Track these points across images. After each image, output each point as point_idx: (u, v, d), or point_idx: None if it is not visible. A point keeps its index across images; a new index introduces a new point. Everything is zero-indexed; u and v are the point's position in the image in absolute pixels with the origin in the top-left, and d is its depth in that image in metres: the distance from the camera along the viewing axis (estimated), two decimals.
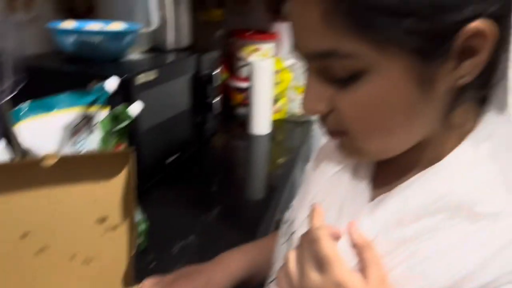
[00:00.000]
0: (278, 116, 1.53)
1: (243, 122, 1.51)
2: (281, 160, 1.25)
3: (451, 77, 0.37)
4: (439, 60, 0.36)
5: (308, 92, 0.42)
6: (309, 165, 0.62)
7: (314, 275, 0.40)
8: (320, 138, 1.56)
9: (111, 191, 0.59)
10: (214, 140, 1.33)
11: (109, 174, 0.58)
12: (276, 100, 1.49)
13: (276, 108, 1.51)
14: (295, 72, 1.51)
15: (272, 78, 1.39)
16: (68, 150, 0.64)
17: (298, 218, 0.55)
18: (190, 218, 0.89)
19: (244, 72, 1.54)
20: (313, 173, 0.58)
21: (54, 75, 0.86)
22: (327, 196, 0.51)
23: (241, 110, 1.58)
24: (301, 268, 0.41)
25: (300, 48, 0.41)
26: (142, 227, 0.78)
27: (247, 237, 0.78)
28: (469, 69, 0.37)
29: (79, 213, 0.57)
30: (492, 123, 0.41)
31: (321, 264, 0.39)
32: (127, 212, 0.61)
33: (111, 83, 0.72)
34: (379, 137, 0.41)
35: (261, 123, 1.41)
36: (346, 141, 0.44)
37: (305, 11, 0.37)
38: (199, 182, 1.08)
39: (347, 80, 0.38)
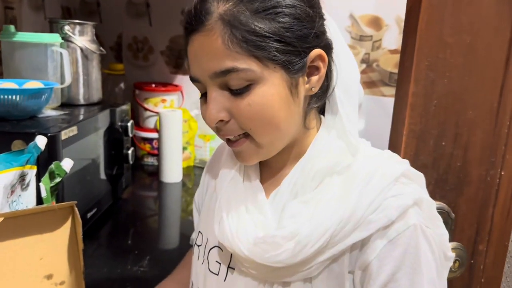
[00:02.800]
0: (187, 164, 1.59)
1: (152, 172, 1.54)
2: (192, 207, 1.30)
3: (306, 87, 0.54)
4: (299, 74, 0.53)
5: (210, 106, 0.52)
6: (203, 180, 0.74)
7: None
8: None
9: (57, 245, 0.60)
10: (128, 191, 1.33)
11: (54, 228, 0.59)
12: (184, 148, 1.56)
13: (185, 156, 1.56)
14: (200, 121, 1.59)
15: (181, 127, 1.46)
16: (7, 209, 0.64)
17: (210, 234, 0.63)
18: (121, 271, 0.90)
19: (150, 122, 1.58)
20: (208, 188, 0.69)
21: None
22: (231, 202, 0.60)
23: (149, 160, 1.60)
24: None
25: (204, 72, 0.52)
26: None
27: None
28: (315, 82, 0.54)
29: (26, 270, 0.57)
30: (330, 120, 0.58)
31: None
32: (73, 266, 0.62)
33: (42, 141, 0.73)
34: (271, 131, 0.53)
35: (172, 171, 1.45)
36: (246, 144, 0.54)
37: (210, 42, 0.50)
38: (119, 235, 1.08)
39: (242, 90, 0.51)
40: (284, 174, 0.58)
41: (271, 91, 0.51)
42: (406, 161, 0.56)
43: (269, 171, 0.61)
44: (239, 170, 0.62)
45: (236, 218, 0.58)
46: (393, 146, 0.73)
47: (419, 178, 0.56)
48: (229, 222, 0.58)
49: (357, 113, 0.58)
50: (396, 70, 1.36)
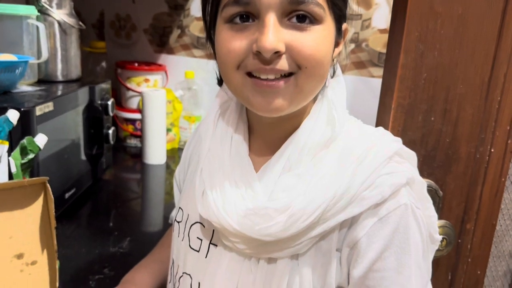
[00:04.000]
0: (171, 146, 1.56)
1: (135, 154, 1.51)
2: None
3: (334, 52, 0.55)
4: (337, 38, 0.54)
5: (270, 34, 0.48)
6: (184, 156, 0.70)
7: None
8: None
9: (28, 223, 0.57)
10: (109, 172, 1.30)
11: (25, 205, 0.57)
12: (168, 130, 1.52)
13: (169, 138, 1.53)
14: (185, 102, 1.56)
15: (165, 108, 1.42)
16: None
17: (191, 210, 0.61)
18: (100, 252, 0.87)
19: (133, 103, 1.54)
20: (191, 164, 0.67)
21: None
22: (215, 176, 0.57)
23: (131, 141, 1.57)
24: None
25: None
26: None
27: None
28: (336, 54, 0.55)
29: None
30: (323, 97, 0.57)
31: None
32: (45, 245, 0.59)
33: (13, 115, 0.69)
34: (319, 75, 0.51)
35: (156, 153, 1.42)
36: (289, 84, 0.50)
37: None
38: (99, 216, 1.05)
39: (308, 24, 0.49)
40: (276, 148, 0.56)
41: (329, 37, 0.51)
42: (399, 139, 0.55)
43: (259, 145, 0.59)
44: (226, 144, 0.59)
45: (221, 192, 0.55)
46: (381, 120, 0.71)
47: (412, 157, 0.55)
48: (214, 196, 0.55)
49: (344, 90, 0.58)
50: (385, 50, 1.34)
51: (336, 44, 0.55)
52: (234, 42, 0.50)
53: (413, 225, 0.50)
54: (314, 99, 0.57)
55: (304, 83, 0.50)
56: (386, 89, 0.70)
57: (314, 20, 0.49)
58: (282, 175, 0.54)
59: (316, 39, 0.49)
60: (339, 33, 0.54)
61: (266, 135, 0.58)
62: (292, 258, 0.52)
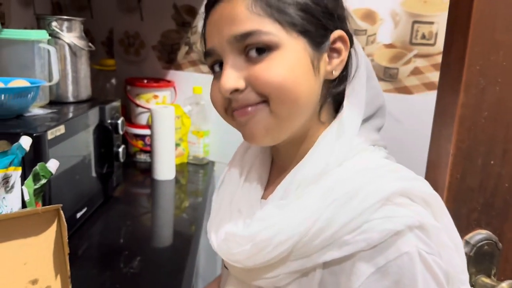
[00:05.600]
0: (180, 160, 1.58)
1: (145, 169, 1.52)
2: (186, 204, 1.30)
3: (327, 69, 0.53)
4: (321, 50, 0.52)
5: (227, 73, 0.51)
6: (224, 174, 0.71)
7: None
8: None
9: (42, 250, 0.59)
10: (119, 189, 1.32)
11: (39, 232, 0.58)
12: (177, 145, 1.54)
13: (178, 152, 1.55)
14: (193, 117, 1.57)
15: (173, 123, 1.44)
16: None
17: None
18: (111, 272, 0.88)
19: (142, 119, 1.56)
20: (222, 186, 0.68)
21: None
22: (224, 200, 0.60)
23: (141, 157, 1.59)
24: None
25: (223, 38, 0.51)
26: None
27: (173, 284, 0.82)
28: (336, 64, 0.53)
29: (10, 276, 0.55)
30: (337, 120, 0.55)
31: None
32: (59, 271, 0.60)
33: (26, 142, 0.71)
34: (290, 99, 0.50)
35: (165, 168, 1.43)
36: (262, 111, 0.52)
37: (233, 7, 0.50)
38: (109, 235, 1.07)
39: (262, 54, 0.49)
40: (284, 175, 0.56)
41: (293, 58, 0.50)
42: (419, 178, 0.50)
43: (277, 171, 0.60)
44: (244, 172, 0.61)
45: (221, 216, 0.59)
46: (434, 166, 0.63)
47: (431, 198, 0.49)
48: (213, 219, 0.59)
49: (359, 113, 0.54)
50: (391, 65, 1.34)
51: (333, 54, 0.53)
52: (214, 90, 0.55)
53: (422, 275, 0.44)
54: (322, 120, 0.55)
55: (276, 109, 0.51)
56: (440, 132, 0.62)
57: (269, 48, 0.50)
58: (266, 205, 0.54)
59: (273, 66, 0.49)
60: (321, 45, 0.52)
61: (280, 163, 0.60)
62: None
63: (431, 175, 0.59)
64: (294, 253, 0.48)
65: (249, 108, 0.52)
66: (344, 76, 0.55)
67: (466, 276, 0.51)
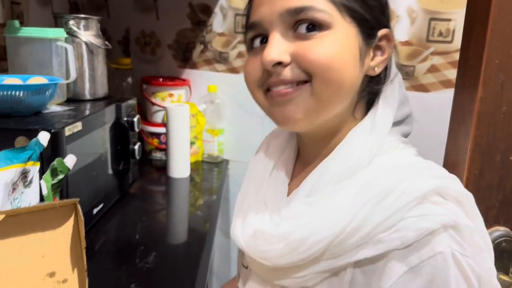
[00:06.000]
0: (195, 158, 1.58)
1: (160, 167, 1.54)
2: (200, 201, 1.31)
3: (370, 64, 0.52)
4: (369, 44, 0.51)
5: (272, 45, 0.50)
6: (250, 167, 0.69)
7: None
8: (235, 176, 1.64)
9: (59, 243, 0.60)
10: (135, 186, 1.33)
11: (56, 226, 0.59)
12: (192, 143, 1.55)
13: (192, 151, 1.56)
14: (208, 115, 1.58)
15: (188, 122, 1.45)
16: (8, 206, 0.63)
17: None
18: (127, 267, 0.89)
19: (158, 117, 1.58)
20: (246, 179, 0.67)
21: None
22: (250, 194, 0.60)
23: (157, 155, 1.60)
24: None
25: (275, 11, 0.50)
26: None
27: (187, 280, 0.82)
28: (379, 61, 0.53)
29: (28, 268, 0.56)
30: (369, 118, 0.54)
31: None
32: (76, 264, 0.61)
33: (44, 137, 0.72)
34: (334, 81, 0.49)
35: (180, 166, 1.44)
36: (303, 91, 0.50)
37: None
38: (125, 230, 1.08)
39: (312, 32, 0.48)
40: (308, 170, 0.55)
41: (343, 41, 0.49)
42: (451, 176, 0.49)
43: (301, 169, 0.60)
44: (269, 167, 0.61)
45: (246, 211, 0.58)
46: (452, 163, 0.63)
47: (464, 198, 0.48)
48: (238, 215, 0.58)
49: (392, 113, 0.54)
50: (407, 62, 1.33)
51: (377, 51, 0.53)
52: (251, 64, 0.53)
53: (455, 277, 0.43)
54: (356, 117, 0.55)
55: (319, 90, 0.50)
56: (458, 126, 0.62)
57: (320, 26, 0.49)
58: (295, 201, 0.52)
59: (323, 44, 0.49)
60: (370, 38, 0.51)
61: (306, 158, 0.59)
62: None
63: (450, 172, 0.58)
64: (327, 253, 0.47)
65: (290, 89, 0.50)
66: (383, 76, 0.55)
67: (497, 282, 0.49)
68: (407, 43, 1.32)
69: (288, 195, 0.57)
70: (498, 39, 0.56)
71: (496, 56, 0.56)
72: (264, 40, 0.52)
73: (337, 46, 0.49)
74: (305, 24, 0.49)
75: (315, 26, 0.49)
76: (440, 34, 1.27)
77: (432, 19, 1.27)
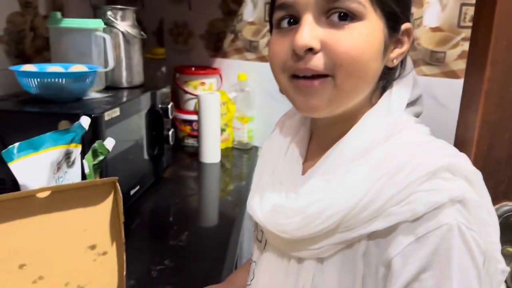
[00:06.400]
0: (226, 145, 1.63)
1: (193, 153, 1.59)
2: (231, 187, 1.35)
3: (389, 56, 0.54)
4: (392, 37, 0.53)
5: (305, 29, 0.50)
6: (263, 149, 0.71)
7: None
8: None
9: (100, 218, 0.63)
10: (169, 170, 1.39)
11: (97, 202, 0.63)
12: (223, 130, 1.59)
13: (223, 137, 1.60)
14: (238, 103, 1.62)
15: (219, 109, 1.49)
16: (53, 184, 0.69)
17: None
18: (161, 244, 0.95)
19: (190, 105, 1.62)
20: (262, 158, 0.69)
21: (21, 117, 0.89)
22: (266, 173, 0.62)
23: (189, 141, 1.65)
24: None
25: None
26: None
27: (217, 258, 0.87)
28: (397, 54, 0.54)
29: (71, 241, 0.61)
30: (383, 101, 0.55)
31: None
32: (115, 238, 0.65)
33: (86, 121, 0.77)
34: (358, 74, 0.50)
35: (211, 152, 1.49)
36: (326, 83, 0.51)
37: None
38: (160, 211, 1.14)
39: (345, 21, 0.49)
40: (327, 151, 0.57)
41: (373, 34, 0.50)
42: (461, 155, 0.51)
43: (315, 149, 0.61)
44: (284, 146, 0.63)
45: (263, 188, 0.60)
46: (462, 140, 0.65)
47: (472, 175, 0.49)
48: (255, 191, 0.60)
49: (407, 95, 0.56)
50: (437, 49, 1.32)
51: (397, 44, 0.54)
52: (278, 45, 0.53)
53: (459, 247, 0.45)
54: (372, 102, 0.56)
55: (343, 82, 0.50)
56: (468, 105, 0.64)
57: (353, 16, 0.49)
58: (314, 178, 0.54)
59: (353, 36, 0.49)
60: (394, 32, 0.52)
61: (320, 139, 0.60)
62: (318, 262, 0.52)
63: (459, 149, 0.59)
64: (342, 226, 0.49)
65: (316, 82, 0.51)
66: (400, 66, 0.56)
67: (504, 267, 0.51)
68: (437, 29, 1.31)
69: (302, 174, 0.59)
70: (506, 20, 0.57)
71: (505, 38, 0.57)
72: (292, 21, 0.52)
73: (366, 39, 0.50)
74: (338, 13, 0.49)
75: (347, 15, 0.49)
76: (472, 19, 1.25)
77: (464, 4, 1.26)
